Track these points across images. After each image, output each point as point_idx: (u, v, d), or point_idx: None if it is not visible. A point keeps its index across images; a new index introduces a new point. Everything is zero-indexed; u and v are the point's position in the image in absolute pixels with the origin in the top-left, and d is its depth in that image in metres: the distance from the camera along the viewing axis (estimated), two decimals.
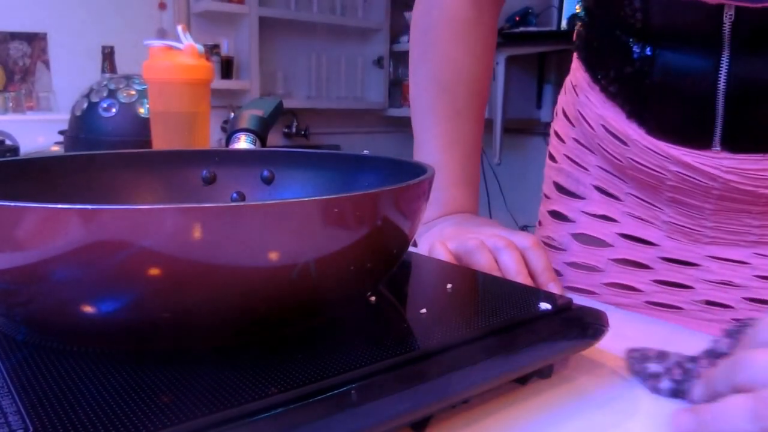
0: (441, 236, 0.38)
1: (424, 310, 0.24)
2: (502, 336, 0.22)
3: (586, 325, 0.24)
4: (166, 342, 0.20)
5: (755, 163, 0.34)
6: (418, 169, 0.25)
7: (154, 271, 0.17)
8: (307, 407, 0.17)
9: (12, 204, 0.17)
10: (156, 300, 0.18)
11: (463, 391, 0.20)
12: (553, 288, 0.32)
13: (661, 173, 0.37)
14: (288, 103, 1.97)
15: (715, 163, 0.35)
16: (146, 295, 0.18)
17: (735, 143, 0.34)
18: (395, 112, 2.27)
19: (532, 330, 0.23)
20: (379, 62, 2.24)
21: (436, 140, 0.43)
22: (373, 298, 0.25)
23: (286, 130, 2.13)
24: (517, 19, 1.87)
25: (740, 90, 0.33)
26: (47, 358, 0.19)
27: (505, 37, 1.82)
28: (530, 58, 1.98)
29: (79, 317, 0.18)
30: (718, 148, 0.35)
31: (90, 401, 0.16)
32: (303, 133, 2.13)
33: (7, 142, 0.82)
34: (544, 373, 0.24)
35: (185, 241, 0.17)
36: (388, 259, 0.23)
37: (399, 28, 2.22)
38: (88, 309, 0.18)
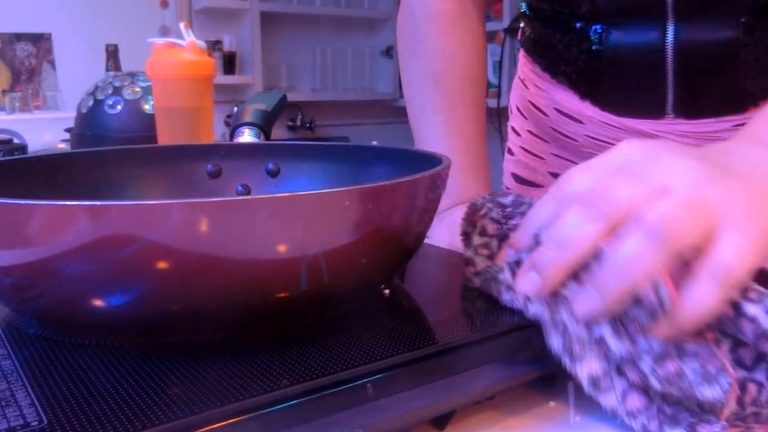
0: (454, 227, 0.38)
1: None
2: (527, 331, 0.21)
3: None
4: (177, 334, 0.20)
5: (709, 126, 0.36)
6: (432, 160, 0.25)
7: (162, 265, 0.17)
8: (321, 400, 0.17)
9: (22, 202, 0.17)
10: (165, 293, 0.18)
11: (485, 387, 0.20)
12: None
13: None
14: (292, 96, 1.96)
15: (670, 128, 0.37)
16: (155, 288, 0.18)
17: (687, 109, 0.36)
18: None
19: None
20: (387, 52, 2.22)
21: (436, 132, 0.43)
22: (387, 291, 0.24)
23: (290, 123, 2.12)
24: None
25: (687, 56, 0.35)
26: (59, 352, 0.19)
27: None
28: None
29: (90, 311, 0.19)
30: (672, 115, 0.36)
31: (102, 393, 0.17)
32: (308, 125, 2.13)
33: (15, 140, 0.83)
34: None
35: (192, 234, 0.17)
36: (401, 252, 0.23)
37: None
38: (99, 303, 0.18)
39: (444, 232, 0.38)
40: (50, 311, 0.20)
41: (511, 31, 1.84)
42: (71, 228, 0.17)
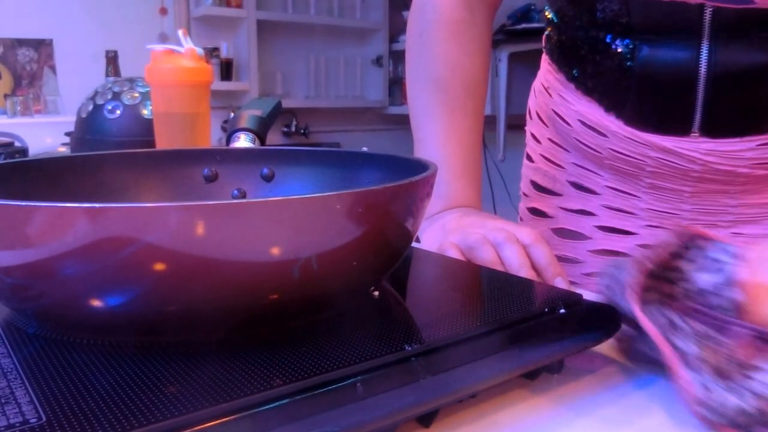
0: (443, 231, 0.39)
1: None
2: (509, 331, 0.22)
3: (595, 321, 0.24)
4: (173, 334, 0.20)
5: (733, 145, 0.36)
6: (419, 166, 0.25)
7: (159, 267, 0.18)
8: (312, 399, 0.17)
9: (23, 203, 0.17)
10: (161, 294, 0.18)
11: (469, 386, 0.20)
12: (560, 283, 0.32)
13: (641, 160, 0.39)
14: (287, 103, 1.98)
15: (694, 146, 0.36)
16: (152, 289, 0.18)
17: (713, 128, 0.36)
18: (395, 110, 2.27)
19: (540, 325, 0.23)
20: (378, 61, 2.25)
21: (434, 137, 0.44)
22: (376, 293, 0.25)
23: (285, 129, 2.14)
24: (519, 15, 1.85)
25: (720, 77, 0.34)
26: (57, 350, 0.19)
27: (508, 34, 1.81)
28: (533, 54, 1.96)
29: (88, 311, 0.19)
30: (697, 134, 0.36)
31: (99, 391, 0.17)
32: (302, 131, 2.14)
33: (17, 143, 0.83)
34: (554, 368, 0.23)
35: (189, 237, 0.17)
36: (390, 255, 0.23)
37: (398, 28, 2.22)
38: (97, 303, 0.19)
39: (434, 235, 0.38)
40: (49, 311, 0.20)
41: (492, 42, 1.86)
42: (71, 229, 0.17)
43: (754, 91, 0.34)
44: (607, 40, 0.37)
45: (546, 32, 0.45)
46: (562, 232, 0.44)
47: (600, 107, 0.40)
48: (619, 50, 0.37)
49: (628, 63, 0.36)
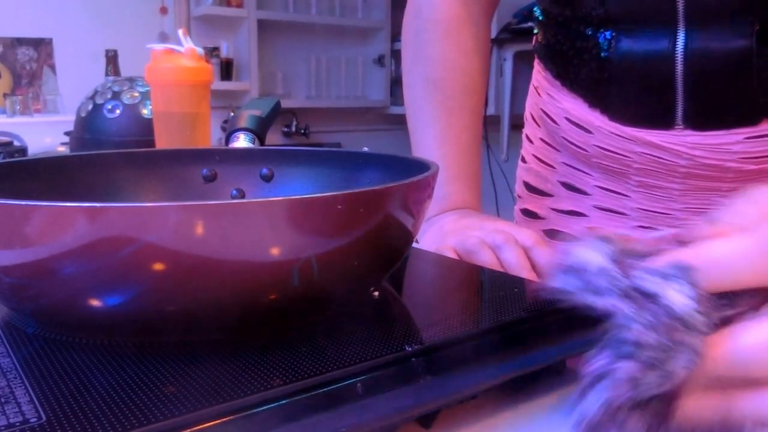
0: (441, 233, 0.38)
1: None
2: (510, 331, 0.22)
3: (597, 322, 0.24)
4: (172, 334, 0.20)
5: (720, 138, 0.35)
6: (420, 166, 0.25)
7: (158, 266, 0.18)
8: (311, 399, 0.17)
9: (22, 203, 0.17)
10: (160, 294, 0.18)
11: (469, 386, 0.20)
12: None
13: (627, 156, 0.38)
14: (287, 103, 1.98)
15: (680, 140, 0.36)
16: (151, 289, 0.18)
17: (697, 120, 0.35)
18: (397, 109, 2.27)
19: (542, 326, 0.23)
20: (380, 61, 2.25)
21: (431, 138, 0.44)
22: (376, 293, 0.25)
23: (285, 129, 2.14)
24: (525, 14, 1.84)
25: (697, 65, 0.34)
26: (57, 350, 0.19)
27: (513, 33, 1.80)
28: None
29: (87, 310, 0.19)
30: (681, 126, 0.36)
31: (99, 391, 0.17)
32: (303, 131, 2.14)
33: (16, 143, 0.84)
34: (557, 369, 0.23)
35: (188, 236, 0.17)
36: (391, 255, 0.23)
37: (400, 27, 2.20)
38: (96, 302, 0.19)
39: (433, 237, 0.38)
40: (48, 310, 0.20)
41: (498, 41, 1.85)
42: (70, 229, 0.17)
43: (734, 79, 0.33)
44: (588, 33, 0.37)
45: (535, 32, 0.45)
46: (553, 234, 0.44)
47: (585, 103, 0.39)
48: (599, 42, 0.36)
49: (607, 55, 0.36)
